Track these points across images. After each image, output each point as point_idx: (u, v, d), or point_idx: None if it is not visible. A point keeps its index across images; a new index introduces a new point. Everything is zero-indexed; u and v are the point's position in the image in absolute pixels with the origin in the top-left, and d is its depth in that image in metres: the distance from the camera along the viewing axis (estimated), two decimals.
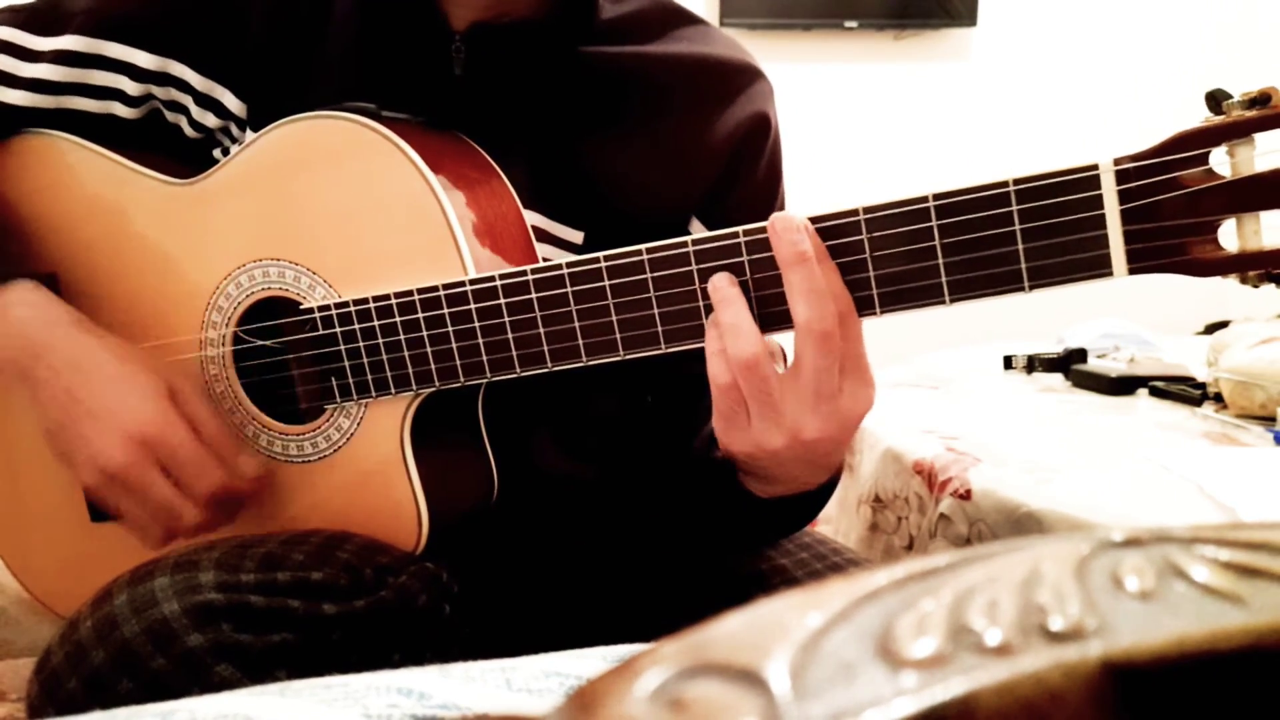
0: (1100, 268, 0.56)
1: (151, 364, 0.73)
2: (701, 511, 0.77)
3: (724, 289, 0.61)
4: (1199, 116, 0.55)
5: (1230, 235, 0.54)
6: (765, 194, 0.83)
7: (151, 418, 0.70)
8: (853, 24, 3.27)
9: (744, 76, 0.82)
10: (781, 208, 0.84)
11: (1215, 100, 0.55)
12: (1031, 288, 0.57)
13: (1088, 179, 0.55)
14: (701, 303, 0.63)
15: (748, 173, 0.81)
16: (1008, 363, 1.64)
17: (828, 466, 0.67)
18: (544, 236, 0.77)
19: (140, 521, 0.72)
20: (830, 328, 0.58)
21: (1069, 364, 1.55)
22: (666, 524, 0.83)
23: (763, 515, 0.72)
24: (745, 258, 0.61)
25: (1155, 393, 1.42)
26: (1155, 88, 3.37)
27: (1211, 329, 2.02)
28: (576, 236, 0.78)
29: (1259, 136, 0.53)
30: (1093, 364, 1.54)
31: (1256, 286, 0.55)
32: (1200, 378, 1.41)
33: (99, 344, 0.73)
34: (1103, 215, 0.55)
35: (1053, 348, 1.63)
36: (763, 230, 0.61)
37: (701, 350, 0.64)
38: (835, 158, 3.19)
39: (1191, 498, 0.96)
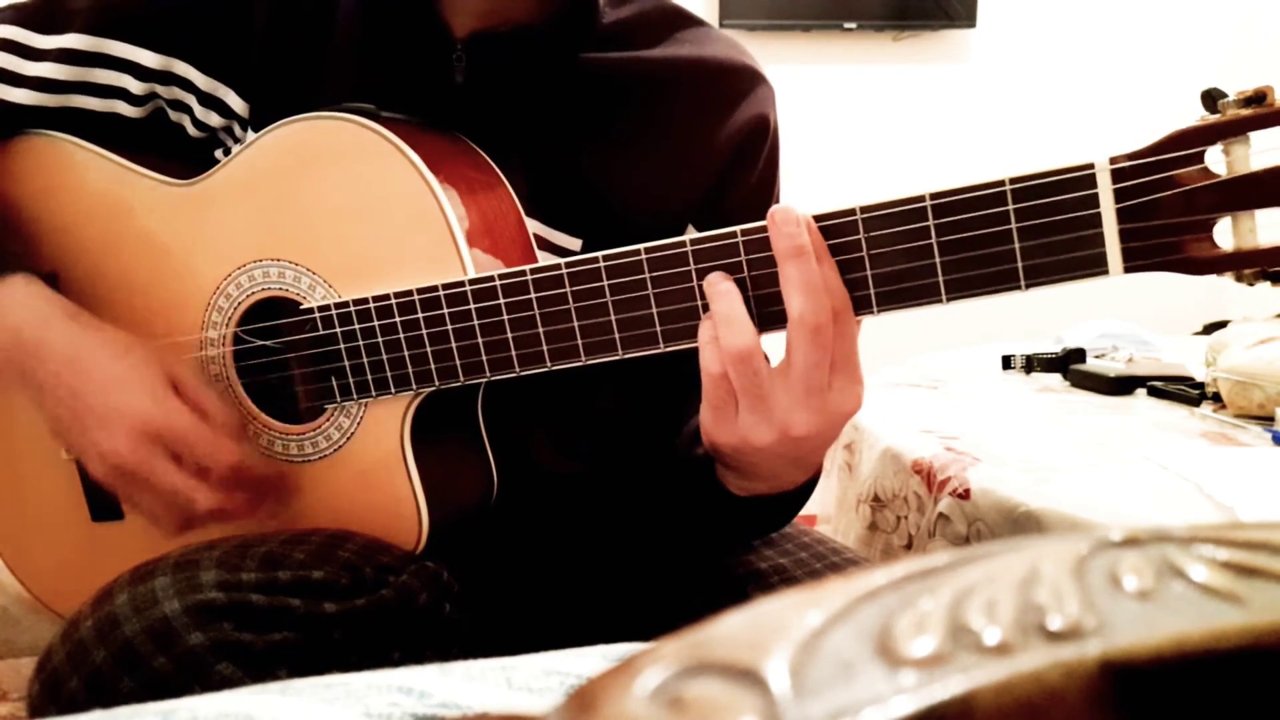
0: (1096, 266, 0.56)
1: (151, 354, 0.73)
2: (678, 508, 0.77)
3: (719, 283, 0.62)
4: (1196, 117, 0.55)
5: (1226, 233, 0.54)
6: (762, 195, 0.82)
7: (154, 408, 0.70)
8: (852, 25, 3.27)
9: (745, 80, 0.81)
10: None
11: (1211, 99, 0.55)
12: (1028, 286, 0.57)
13: (1084, 178, 0.55)
14: (700, 302, 0.63)
15: (744, 175, 0.81)
16: (1006, 363, 1.64)
17: (810, 465, 0.68)
18: (542, 244, 0.77)
19: (155, 511, 0.72)
20: (823, 321, 0.58)
21: (1067, 364, 1.55)
22: (649, 520, 0.84)
23: (740, 514, 0.72)
24: (743, 257, 0.61)
25: (1154, 393, 1.42)
26: (1153, 89, 3.37)
27: (1210, 329, 2.02)
28: (575, 244, 0.78)
29: (1254, 135, 0.53)
30: (1091, 364, 1.54)
31: (1251, 284, 0.55)
32: (1199, 378, 1.42)
33: (97, 338, 0.73)
34: (1099, 214, 0.55)
35: (1051, 348, 1.63)
36: (761, 230, 0.61)
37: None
38: (834, 158, 3.19)
39: (1190, 497, 0.96)
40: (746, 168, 0.81)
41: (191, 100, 0.80)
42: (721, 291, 0.61)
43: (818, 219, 0.60)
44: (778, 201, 0.85)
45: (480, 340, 0.68)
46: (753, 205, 0.80)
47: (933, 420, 1.29)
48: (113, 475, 0.71)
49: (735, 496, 0.70)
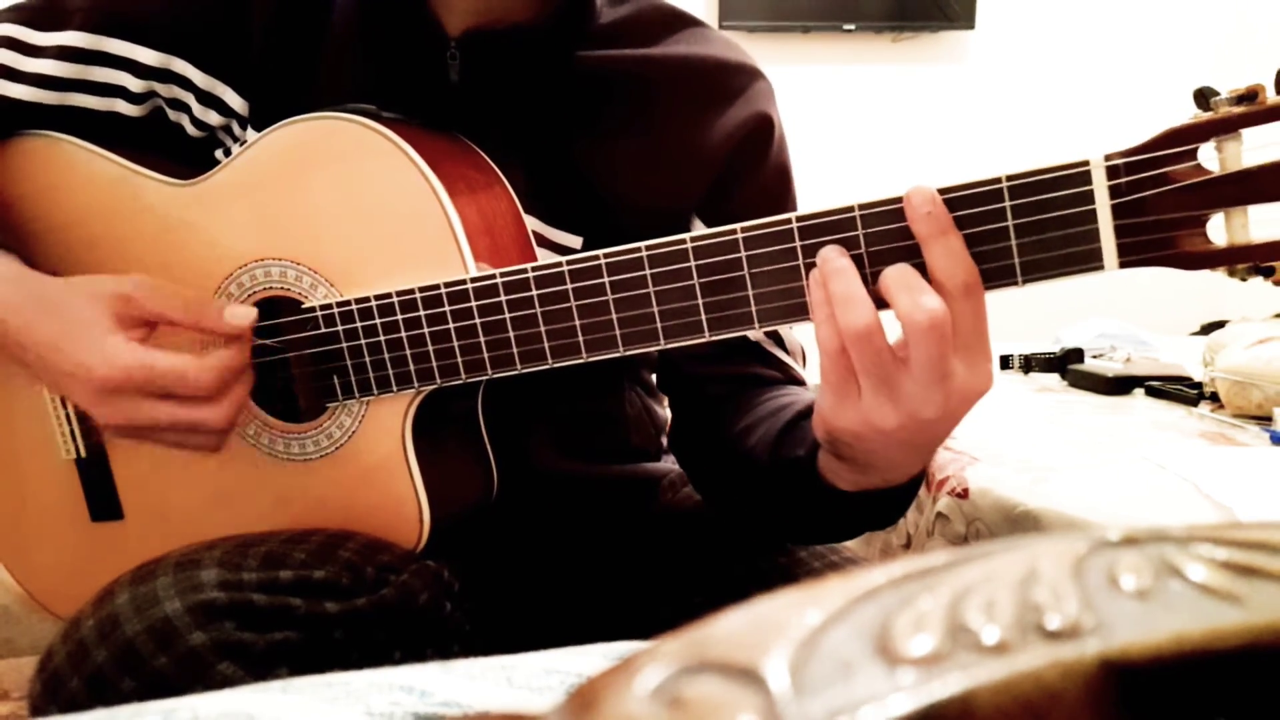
0: (1091, 261, 0.56)
1: (90, 290, 0.70)
2: (779, 512, 0.75)
3: (835, 259, 0.59)
4: (1189, 115, 0.56)
5: (1219, 229, 0.55)
6: (772, 194, 0.82)
7: (107, 361, 0.67)
8: (851, 26, 3.28)
9: (742, 76, 0.81)
10: (793, 207, 0.83)
11: (1204, 97, 0.55)
12: (1024, 282, 0.58)
13: (1079, 175, 0.55)
14: (700, 300, 0.63)
15: (751, 173, 0.80)
16: (1005, 362, 1.64)
17: (929, 452, 0.64)
18: (542, 242, 0.77)
19: (183, 444, 0.71)
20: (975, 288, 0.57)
21: (1066, 364, 1.56)
22: (735, 523, 0.83)
23: (847, 512, 0.69)
24: (743, 254, 0.61)
25: (1152, 392, 1.43)
26: (1149, 89, 3.37)
27: (1208, 329, 2.02)
28: (575, 241, 0.78)
29: (1246, 132, 0.54)
30: (1089, 364, 1.54)
31: (1244, 279, 0.56)
32: (1197, 377, 1.42)
33: (43, 295, 0.71)
34: (1094, 210, 0.55)
35: (1049, 347, 1.63)
36: (758, 228, 0.61)
37: (700, 349, 0.64)
38: (833, 159, 3.19)
39: (1188, 497, 0.96)
40: (751, 166, 0.80)
41: (190, 99, 0.80)
42: (838, 268, 0.58)
43: (814, 216, 0.60)
44: (793, 200, 0.84)
45: (482, 338, 0.68)
46: (762, 204, 0.78)
47: None
48: (117, 433, 0.70)
49: (841, 495, 0.67)
